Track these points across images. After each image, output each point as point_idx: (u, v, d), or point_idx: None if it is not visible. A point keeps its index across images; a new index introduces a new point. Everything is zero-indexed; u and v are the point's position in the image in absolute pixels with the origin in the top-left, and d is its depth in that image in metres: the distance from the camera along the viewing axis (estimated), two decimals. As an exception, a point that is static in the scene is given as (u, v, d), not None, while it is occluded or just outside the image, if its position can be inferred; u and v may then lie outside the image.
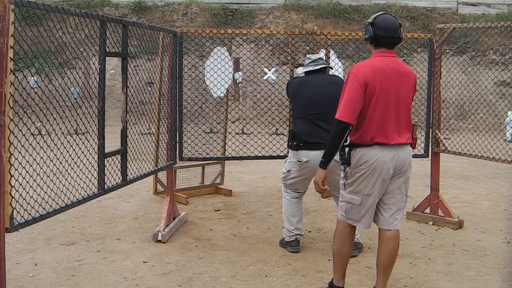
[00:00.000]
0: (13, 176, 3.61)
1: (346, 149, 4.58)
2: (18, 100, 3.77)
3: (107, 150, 4.84)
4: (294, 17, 20.87)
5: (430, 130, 7.08)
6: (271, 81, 14.45)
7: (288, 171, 6.00)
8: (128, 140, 5.28)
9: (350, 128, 4.40)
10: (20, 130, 3.86)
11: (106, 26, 4.73)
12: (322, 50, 7.09)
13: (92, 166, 4.73)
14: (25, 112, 4.89)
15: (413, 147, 4.74)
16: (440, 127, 7.14)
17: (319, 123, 5.74)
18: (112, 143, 4.96)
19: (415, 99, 7.45)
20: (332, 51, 7.32)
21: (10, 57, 3.47)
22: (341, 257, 4.72)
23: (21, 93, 3.92)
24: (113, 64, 16.07)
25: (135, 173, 5.49)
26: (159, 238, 6.04)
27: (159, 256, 5.65)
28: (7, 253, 3.71)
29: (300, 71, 6.30)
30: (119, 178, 5.15)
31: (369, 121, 4.45)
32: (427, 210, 7.15)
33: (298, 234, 6.00)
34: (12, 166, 3.61)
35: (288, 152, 6.18)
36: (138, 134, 5.72)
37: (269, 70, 15.04)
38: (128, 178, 5.24)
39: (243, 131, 13.39)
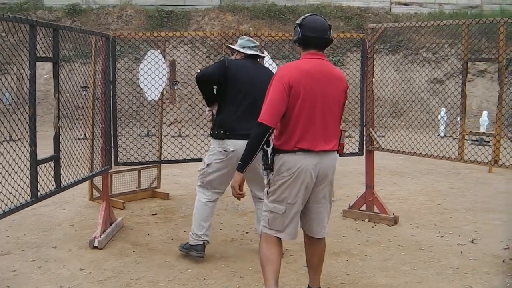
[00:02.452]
0: None
1: (270, 154, 4.40)
2: None
3: (41, 156, 4.76)
4: (229, 18, 20.93)
5: (364, 128, 7.18)
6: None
7: (208, 165, 5.69)
8: (61, 146, 5.20)
9: (270, 131, 4.25)
10: None
11: (36, 30, 4.65)
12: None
13: (24, 174, 4.65)
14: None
15: (340, 152, 4.55)
16: (374, 125, 7.26)
17: (250, 113, 5.35)
18: (48, 149, 4.87)
19: (349, 97, 7.59)
20: (266, 52, 7.36)
21: None
22: (271, 262, 4.42)
23: None
24: (47, 68, 15.82)
25: (69, 179, 5.41)
26: (96, 244, 5.97)
27: (96, 263, 5.58)
28: None
29: (243, 50, 5.78)
30: (53, 185, 5.07)
31: (294, 125, 4.28)
32: (363, 208, 7.26)
33: (206, 240, 5.74)
34: None
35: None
36: (73, 140, 5.63)
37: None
38: (62, 184, 5.16)
39: (179, 134, 13.34)
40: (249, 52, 5.79)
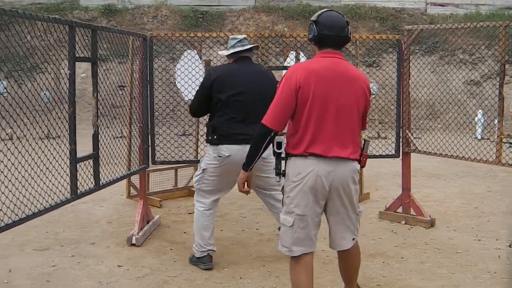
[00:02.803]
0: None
1: (281, 158, 4.18)
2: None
3: (80, 154, 4.82)
4: (264, 18, 20.96)
5: (401, 130, 7.14)
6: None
7: (204, 170, 5.48)
8: (100, 144, 5.27)
9: (272, 134, 4.03)
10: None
11: (75, 31, 4.72)
12: (292, 52, 7.13)
13: (65, 172, 4.72)
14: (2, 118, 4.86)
15: (362, 165, 4.18)
16: (411, 127, 7.22)
17: (245, 116, 5.25)
18: (85, 147, 4.96)
19: (385, 99, 7.58)
20: (301, 53, 7.36)
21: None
22: None
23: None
24: (84, 67, 15.99)
25: (107, 177, 5.48)
26: (133, 241, 6.04)
27: (133, 260, 5.65)
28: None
29: (225, 53, 5.57)
30: (92, 182, 5.14)
31: (304, 129, 3.99)
32: (399, 210, 7.22)
33: (211, 250, 5.52)
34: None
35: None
36: (110, 138, 5.70)
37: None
38: (100, 182, 5.23)
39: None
40: (231, 51, 5.49)
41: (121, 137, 6.46)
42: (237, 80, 5.33)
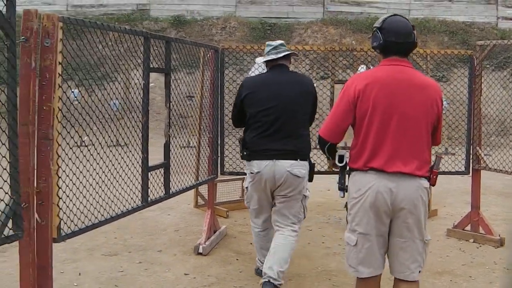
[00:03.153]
0: (60, 188, 3.70)
1: (342, 172, 4.03)
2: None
3: (152, 163, 4.91)
4: (332, 31, 20.91)
5: (471, 147, 7.02)
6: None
7: (247, 188, 5.32)
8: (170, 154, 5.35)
9: (328, 145, 3.94)
10: (66, 142, 3.94)
11: (150, 42, 4.82)
12: (362, 66, 7.10)
13: (136, 179, 4.81)
14: (73, 124, 4.99)
15: (432, 183, 3.86)
16: (481, 144, 7.09)
17: (276, 129, 4.97)
18: (152, 155, 5.04)
19: (455, 115, 7.46)
20: (372, 67, 7.32)
21: (59, 73, 3.57)
22: None
23: (65, 105, 4.00)
24: (153, 77, 16.17)
25: (177, 186, 5.56)
26: (200, 250, 6.10)
27: (200, 269, 5.71)
28: (52, 262, 3.80)
29: (260, 60, 5.50)
30: (162, 191, 5.22)
31: (363, 141, 3.79)
32: (468, 227, 7.08)
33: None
34: (60, 179, 3.70)
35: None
36: (178, 148, 5.78)
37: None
38: (170, 191, 5.31)
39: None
40: (267, 58, 5.23)
41: (188, 147, 6.54)
42: (268, 93, 5.03)
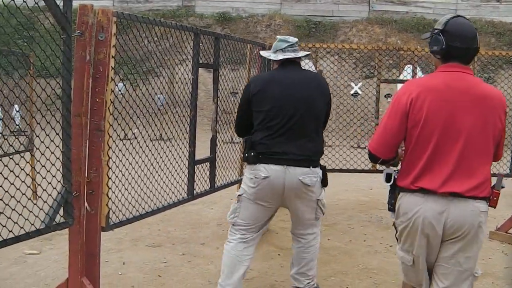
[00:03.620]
0: (110, 178, 3.81)
1: (389, 191, 3.64)
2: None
3: (198, 157, 5.00)
4: (377, 30, 20.79)
5: (517, 148, 6.95)
6: (356, 95, 14.37)
7: (239, 196, 4.61)
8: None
9: (380, 161, 3.58)
10: (110, 135, 4.05)
11: (200, 38, 4.90)
12: (408, 65, 7.10)
13: (183, 173, 4.90)
14: (116, 118, 5.11)
15: (493, 204, 3.41)
16: (527, 146, 7.02)
17: (288, 131, 4.43)
18: (196, 150, 5.14)
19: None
20: (418, 67, 7.32)
21: (111, 66, 3.67)
22: None
23: (116, 98, 4.10)
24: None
25: (221, 180, 5.63)
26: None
27: (242, 263, 5.78)
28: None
29: (272, 57, 4.72)
30: (208, 185, 5.30)
31: (412, 156, 3.41)
32: (511, 230, 7.03)
33: None
34: (110, 169, 3.80)
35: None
36: (222, 143, 5.86)
37: (356, 85, 14.99)
38: (216, 185, 5.39)
39: (325, 143, 13.41)
40: (281, 57, 4.63)
41: (231, 142, 6.61)
42: (280, 91, 4.49)
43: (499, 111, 3.41)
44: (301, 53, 4.73)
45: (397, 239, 3.63)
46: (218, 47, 5.21)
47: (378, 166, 3.72)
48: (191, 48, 4.92)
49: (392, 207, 3.59)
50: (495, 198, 3.43)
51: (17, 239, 3.21)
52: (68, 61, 3.47)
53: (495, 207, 3.46)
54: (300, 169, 4.44)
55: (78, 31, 3.54)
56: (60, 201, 3.52)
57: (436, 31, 3.45)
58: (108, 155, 3.76)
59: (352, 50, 17.39)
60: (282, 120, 4.43)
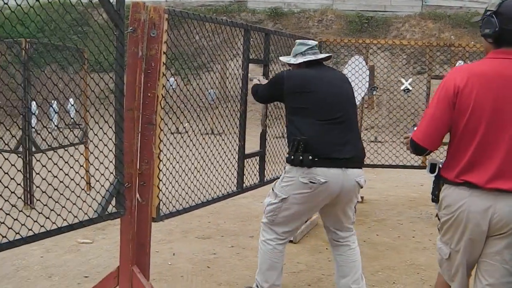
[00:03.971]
0: (161, 170, 3.91)
1: (434, 182, 3.45)
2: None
3: (248, 151, 5.08)
4: (430, 26, 20.58)
5: None
6: (407, 91, 14.26)
7: (283, 199, 4.31)
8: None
9: (427, 152, 3.38)
10: (162, 129, 4.15)
11: (250, 34, 4.98)
12: (459, 61, 7.04)
13: (233, 166, 4.98)
14: (167, 112, 5.22)
15: None
16: None
17: (338, 132, 4.22)
18: (247, 145, 5.21)
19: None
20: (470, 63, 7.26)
21: (163, 62, 3.77)
22: None
23: (167, 92, 4.20)
24: (249, 68, 16.37)
25: (271, 174, 5.70)
26: (291, 238, 6.23)
27: (290, 256, 5.83)
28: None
29: (292, 61, 4.58)
30: (257, 178, 5.37)
31: (458, 148, 3.22)
32: None
33: None
34: (161, 162, 3.91)
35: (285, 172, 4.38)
36: (273, 138, 5.92)
37: (406, 81, 14.88)
38: (265, 179, 5.46)
39: (376, 139, 13.40)
40: (300, 60, 4.51)
41: (282, 137, 6.68)
42: (325, 88, 4.34)
43: None
44: (321, 55, 4.63)
45: (438, 230, 3.48)
46: (268, 43, 5.28)
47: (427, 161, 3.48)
48: (242, 44, 5.00)
49: (435, 198, 3.41)
50: None
51: (71, 227, 3.35)
52: (121, 57, 3.59)
53: None
54: (356, 171, 4.30)
55: (130, 28, 3.65)
56: (113, 192, 3.65)
57: (488, 12, 3.17)
58: (159, 148, 3.86)
59: (404, 46, 17.31)
60: (333, 119, 4.24)
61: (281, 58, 4.91)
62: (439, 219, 3.45)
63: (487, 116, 3.11)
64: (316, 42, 4.67)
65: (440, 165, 3.40)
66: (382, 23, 20.78)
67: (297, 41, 4.67)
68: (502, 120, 3.11)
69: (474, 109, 3.12)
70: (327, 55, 4.76)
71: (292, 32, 19.44)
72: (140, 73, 3.69)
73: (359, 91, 7.00)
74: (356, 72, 6.98)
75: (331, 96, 4.31)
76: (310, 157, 4.11)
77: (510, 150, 3.10)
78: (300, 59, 4.50)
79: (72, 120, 9.59)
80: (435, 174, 3.41)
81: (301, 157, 4.13)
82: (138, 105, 3.70)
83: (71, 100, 8.12)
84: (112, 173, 3.67)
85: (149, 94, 3.73)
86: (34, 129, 7.67)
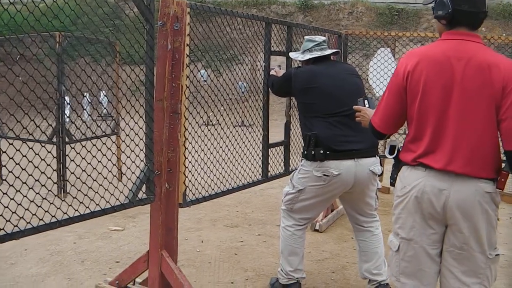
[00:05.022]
0: (187, 158, 4.07)
1: (392, 165, 3.36)
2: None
3: (271, 141, 5.21)
4: (462, 18, 20.45)
5: None
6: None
7: (300, 190, 4.52)
8: (291, 133, 5.62)
9: (385, 137, 3.35)
10: (195, 120, 4.30)
11: (271, 27, 5.11)
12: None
13: (258, 156, 5.12)
14: (200, 103, 5.38)
15: (500, 187, 3.06)
16: None
17: (347, 124, 4.32)
18: (277, 136, 5.34)
19: None
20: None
21: (186, 54, 3.92)
22: None
23: (195, 85, 4.34)
24: (279, 60, 16.49)
25: (296, 164, 5.83)
26: (317, 227, 6.37)
27: (315, 244, 5.97)
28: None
29: (300, 58, 4.77)
30: (282, 167, 5.50)
31: (415, 132, 3.14)
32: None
33: (300, 277, 4.72)
34: (186, 150, 4.06)
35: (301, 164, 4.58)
36: (296, 128, 6.04)
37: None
38: (290, 168, 5.60)
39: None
40: (308, 56, 4.68)
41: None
42: (331, 82, 4.48)
43: (507, 82, 2.96)
44: (328, 51, 4.70)
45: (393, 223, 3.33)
46: (291, 35, 5.38)
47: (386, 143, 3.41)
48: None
49: (394, 181, 3.31)
50: (503, 180, 3.05)
51: (103, 212, 3.53)
52: (151, 50, 3.76)
53: (502, 189, 3.09)
54: (369, 160, 4.43)
55: (160, 22, 3.81)
56: (143, 179, 3.82)
57: None
58: (185, 136, 4.01)
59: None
60: (343, 112, 4.34)
61: (290, 54, 5.09)
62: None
63: (438, 100, 3.03)
64: (325, 38, 4.76)
65: (400, 148, 3.31)
66: (412, 15, 20.74)
67: (306, 37, 4.79)
68: (447, 100, 3.02)
69: (424, 93, 3.05)
70: (334, 50, 4.91)
71: (322, 24, 19.50)
72: (170, 65, 3.84)
73: (385, 83, 7.08)
74: (381, 64, 7.06)
75: (336, 90, 4.44)
76: (322, 151, 4.31)
77: (457, 132, 3.00)
78: (307, 56, 4.67)
79: (105, 110, 9.81)
80: (393, 156, 3.32)
81: (313, 152, 4.35)
82: (168, 96, 3.86)
83: (102, 92, 8.33)
84: (142, 161, 3.84)
85: (174, 85, 3.88)
86: (69, 119, 7.91)
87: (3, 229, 2.94)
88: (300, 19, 21.39)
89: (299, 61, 4.85)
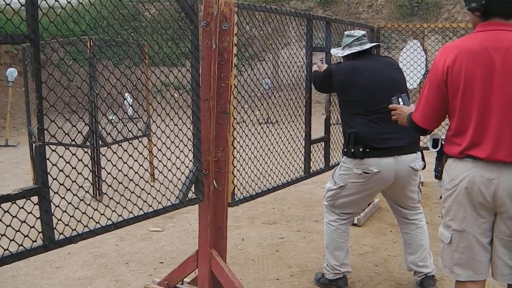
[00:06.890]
0: (235, 157, 4.09)
1: (437, 158, 3.49)
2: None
3: (314, 137, 5.22)
4: (483, 7, 20.33)
5: None
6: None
7: (341, 187, 4.55)
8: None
9: (428, 132, 3.38)
10: (241, 118, 4.31)
11: (312, 23, 5.11)
12: None
13: (300, 152, 5.12)
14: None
15: None
16: None
17: (389, 121, 4.00)
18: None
19: None
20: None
21: (234, 53, 3.93)
22: None
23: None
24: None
25: (336, 159, 5.84)
26: (355, 222, 6.37)
27: (355, 238, 5.97)
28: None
29: (340, 53, 4.72)
30: (322, 163, 5.51)
31: (458, 124, 3.14)
32: None
33: (346, 271, 4.78)
34: (235, 149, 4.08)
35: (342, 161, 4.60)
36: (336, 124, 6.03)
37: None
38: (330, 163, 5.60)
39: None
40: (347, 52, 4.64)
41: (336, 124, 6.79)
42: (371, 78, 4.45)
43: None
44: (368, 45, 4.64)
45: (441, 215, 3.39)
46: (329, 31, 5.39)
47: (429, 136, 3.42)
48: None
49: (439, 174, 3.40)
50: None
51: (155, 213, 3.55)
52: (196, 50, 3.78)
53: None
54: (410, 156, 4.42)
55: (204, 22, 3.83)
56: (192, 178, 3.84)
57: None
58: (233, 136, 4.03)
59: (455, 29, 17.18)
60: (384, 108, 4.08)
61: (331, 50, 5.05)
62: (442, 201, 3.35)
63: (479, 91, 3.04)
64: (364, 32, 4.72)
65: (443, 141, 3.35)
66: (432, 6, 20.61)
67: (345, 32, 4.76)
68: (489, 91, 3.03)
69: (466, 86, 3.05)
70: (374, 44, 4.84)
71: (342, 18, 19.44)
72: (214, 65, 3.86)
73: (418, 75, 7.09)
74: (414, 57, 7.06)
75: (377, 86, 4.40)
76: (361, 149, 4.33)
77: (496, 121, 3.02)
78: (347, 51, 4.64)
79: (135, 113, 9.87)
80: (437, 149, 3.40)
81: (352, 150, 4.38)
82: (213, 96, 3.88)
83: (127, 95, 8.40)
84: (191, 161, 3.86)
85: (222, 85, 3.90)
86: (110, 121, 7.94)
87: (62, 233, 2.96)
88: (320, 14, 21.33)
89: (339, 57, 4.83)
